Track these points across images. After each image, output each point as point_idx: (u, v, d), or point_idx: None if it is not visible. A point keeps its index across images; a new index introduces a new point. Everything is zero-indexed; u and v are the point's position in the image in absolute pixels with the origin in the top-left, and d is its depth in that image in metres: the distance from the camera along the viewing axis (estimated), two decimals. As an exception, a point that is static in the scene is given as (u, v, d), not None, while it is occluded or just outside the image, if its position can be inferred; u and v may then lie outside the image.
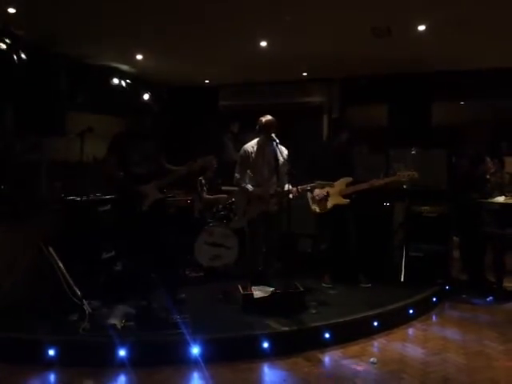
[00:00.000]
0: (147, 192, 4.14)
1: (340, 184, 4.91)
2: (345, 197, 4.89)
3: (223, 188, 6.25)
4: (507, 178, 6.39)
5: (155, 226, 4.18)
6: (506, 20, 5.09)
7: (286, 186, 4.33)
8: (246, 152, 4.52)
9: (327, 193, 4.87)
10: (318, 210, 4.96)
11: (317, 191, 4.85)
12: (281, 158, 4.37)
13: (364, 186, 4.89)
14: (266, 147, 4.44)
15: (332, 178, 4.77)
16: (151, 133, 4.32)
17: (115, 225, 4.70)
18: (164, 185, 4.35)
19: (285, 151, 4.44)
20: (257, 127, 4.49)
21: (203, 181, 6.05)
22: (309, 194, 4.97)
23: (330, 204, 4.91)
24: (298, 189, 4.26)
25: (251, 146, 4.54)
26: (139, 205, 4.12)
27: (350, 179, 4.92)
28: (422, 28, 5.42)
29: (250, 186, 4.45)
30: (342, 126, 5.13)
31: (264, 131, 4.40)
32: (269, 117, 4.43)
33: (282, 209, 4.46)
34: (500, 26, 5.29)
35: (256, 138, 4.56)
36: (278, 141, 4.25)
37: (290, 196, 4.28)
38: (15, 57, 5.51)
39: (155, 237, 4.15)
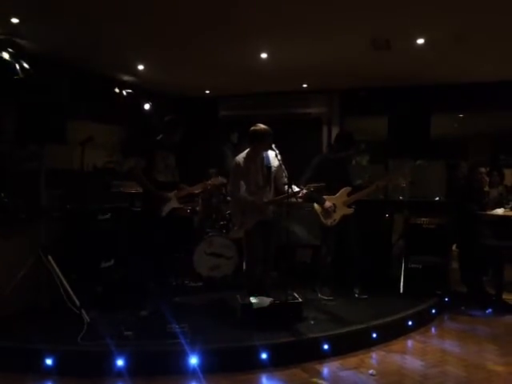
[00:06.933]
0: (170, 198, 4.36)
1: (342, 195, 4.93)
2: (349, 206, 4.93)
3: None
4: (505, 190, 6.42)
5: (167, 233, 4.34)
6: (505, 33, 5.15)
7: (292, 188, 4.20)
8: (237, 163, 4.49)
9: (334, 205, 4.89)
10: (329, 222, 4.92)
11: (327, 204, 4.86)
12: (274, 164, 4.39)
13: (364, 192, 4.96)
14: (256, 156, 4.45)
15: (335, 190, 4.87)
16: (173, 146, 4.53)
17: (130, 228, 4.92)
18: (183, 195, 4.54)
19: (272, 154, 4.37)
20: (249, 137, 4.45)
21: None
22: (317, 208, 4.95)
23: (338, 215, 4.91)
24: (305, 188, 4.26)
25: (242, 156, 4.50)
26: (159, 210, 4.30)
27: (349, 189, 4.95)
28: (421, 41, 5.47)
29: (241, 195, 4.43)
30: (350, 139, 5.13)
31: (255, 141, 4.39)
32: (260, 126, 4.38)
33: (279, 217, 4.46)
34: (499, 39, 5.34)
35: (250, 147, 4.53)
36: (277, 151, 4.24)
37: (299, 197, 4.29)
38: (17, 66, 5.56)
39: (164, 243, 4.30)
